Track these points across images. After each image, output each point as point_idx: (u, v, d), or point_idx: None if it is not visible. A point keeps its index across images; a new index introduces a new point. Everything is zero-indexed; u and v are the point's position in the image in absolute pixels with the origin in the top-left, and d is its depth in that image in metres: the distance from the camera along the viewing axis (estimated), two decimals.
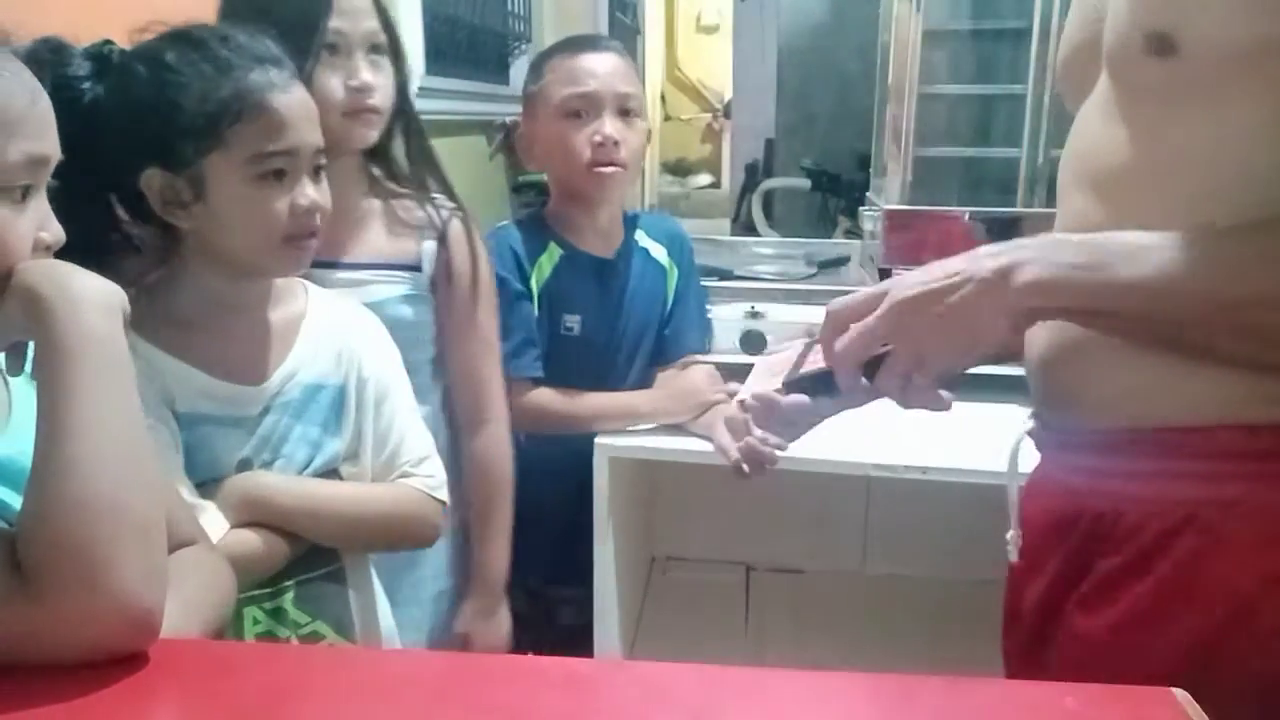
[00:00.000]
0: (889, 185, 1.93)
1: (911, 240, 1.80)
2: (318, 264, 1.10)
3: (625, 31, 4.22)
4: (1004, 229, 1.76)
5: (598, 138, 1.39)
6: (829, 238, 3.26)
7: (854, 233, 2.71)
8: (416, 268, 1.24)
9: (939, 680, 0.64)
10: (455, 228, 1.27)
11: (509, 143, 3.02)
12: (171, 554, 0.82)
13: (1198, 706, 0.58)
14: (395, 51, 1.21)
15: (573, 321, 1.45)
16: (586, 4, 3.68)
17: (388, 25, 1.20)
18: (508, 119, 2.99)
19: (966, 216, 1.79)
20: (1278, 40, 0.63)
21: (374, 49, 1.18)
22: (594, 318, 1.46)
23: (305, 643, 0.98)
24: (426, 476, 1.08)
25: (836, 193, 3.62)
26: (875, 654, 1.55)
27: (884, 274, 1.83)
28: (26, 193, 0.71)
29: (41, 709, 0.60)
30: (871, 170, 2.40)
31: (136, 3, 1.00)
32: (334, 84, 1.14)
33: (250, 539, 0.94)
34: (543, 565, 1.46)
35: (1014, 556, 0.85)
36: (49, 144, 0.72)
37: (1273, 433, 0.66)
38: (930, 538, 1.80)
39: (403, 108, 1.23)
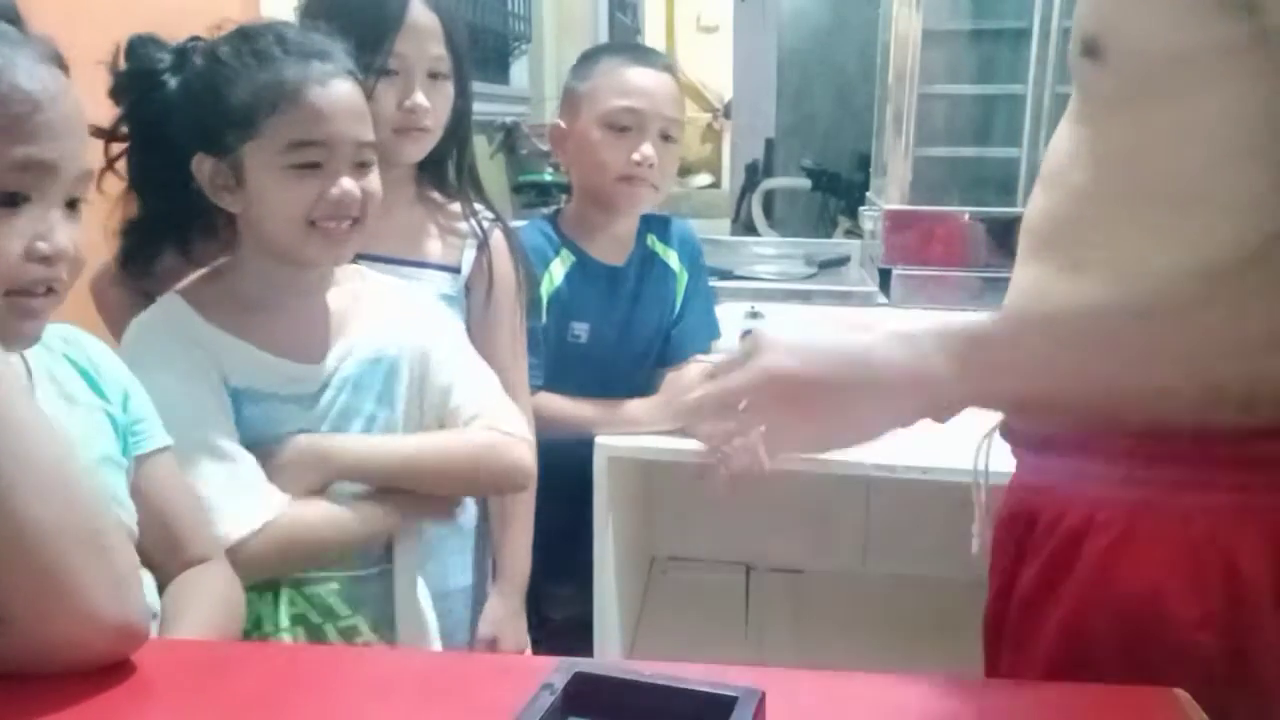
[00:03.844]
0: (889, 185, 1.93)
1: (911, 240, 1.80)
2: (363, 257, 1.14)
3: (625, 31, 4.23)
4: (1004, 229, 1.76)
5: (636, 157, 1.39)
6: (829, 238, 3.27)
7: (854, 233, 2.71)
8: (456, 270, 1.28)
9: (939, 680, 0.64)
10: (497, 236, 1.30)
11: (509, 143, 3.02)
12: (182, 573, 0.82)
13: (1197, 706, 0.58)
14: (458, 76, 1.24)
15: (580, 329, 1.45)
16: (587, 4, 3.69)
17: (454, 51, 1.22)
18: (508, 119, 2.99)
19: (966, 216, 1.79)
20: (1190, 50, 0.64)
21: (435, 73, 1.21)
22: (601, 326, 1.46)
23: (343, 635, 1.01)
24: (501, 417, 1.08)
25: (836, 193, 3.62)
26: (875, 654, 1.56)
27: (884, 274, 1.83)
28: (16, 199, 0.69)
29: (40, 710, 0.60)
30: (871, 170, 2.41)
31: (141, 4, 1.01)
32: (388, 101, 1.17)
33: (309, 526, 0.97)
34: (542, 565, 1.45)
35: (975, 549, 0.85)
36: (54, 151, 0.69)
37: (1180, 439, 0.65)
38: (930, 538, 1.80)
39: (458, 130, 1.27)
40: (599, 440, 1.39)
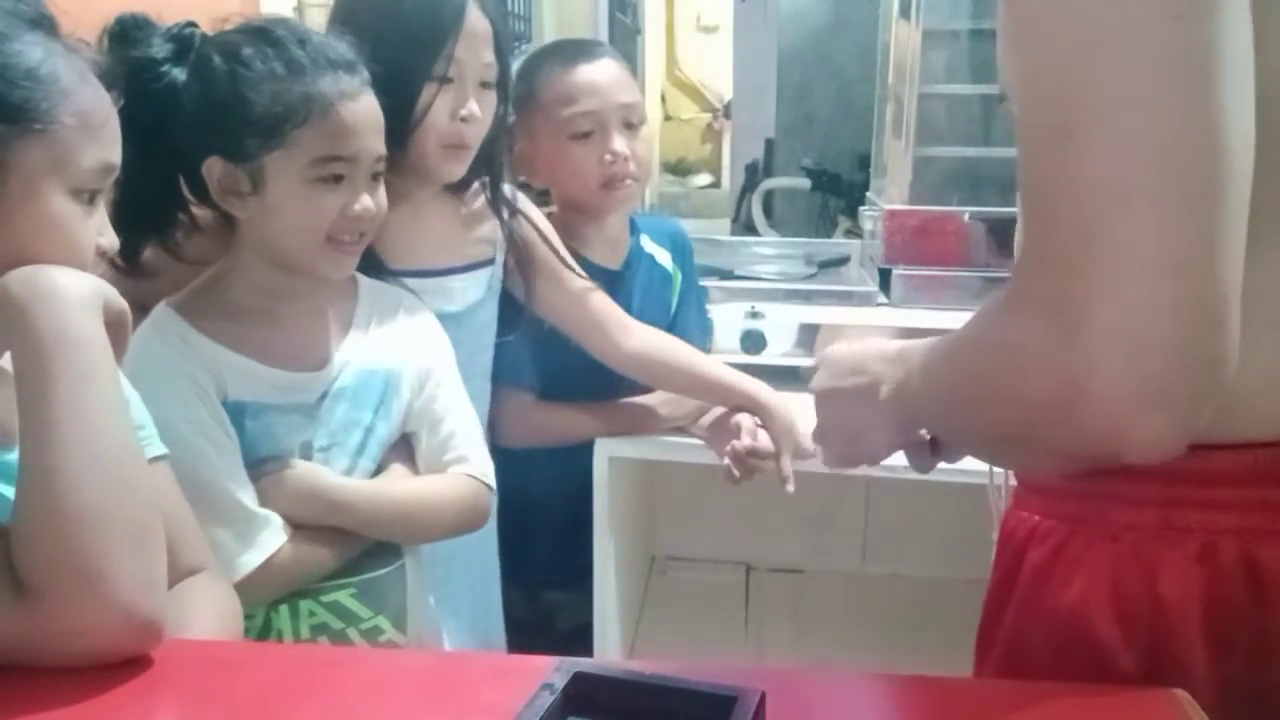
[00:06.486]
0: (889, 185, 1.93)
1: (911, 240, 1.80)
2: (406, 273, 1.15)
3: (625, 31, 4.22)
4: (1004, 229, 1.76)
5: (608, 157, 1.35)
6: (829, 238, 3.26)
7: (854, 233, 2.71)
8: (490, 260, 1.27)
9: (939, 680, 0.65)
10: (522, 198, 1.31)
11: (510, 143, 3.01)
12: (179, 582, 0.83)
13: (1197, 706, 0.58)
14: (504, 86, 1.20)
15: None
16: (587, 4, 3.68)
17: (502, 59, 1.17)
18: (509, 119, 2.98)
19: (966, 216, 1.79)
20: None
21: (485, 82, 1.16)
22: None
23: (366, 637, 1.02)
24: (481, 463, 1.09)
25: (836, 193, 3.61)
26: (875, 654, 1.56)
27: (884, 274, 1.83)
28: (93, 197, 0.73)
29: (43, 708, 0.60)
30: (871, 170, 2.40)
31: None
32: (442, 112, 1.12)
33: (313, 550, 0.98)
34: (543, 567, 1.45)
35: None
36: (117, 153, 0.74)
37: None
38: (930, 538, 1.80)
39: (496, 140, 1.23)
40: (599, 441, 1.39)
